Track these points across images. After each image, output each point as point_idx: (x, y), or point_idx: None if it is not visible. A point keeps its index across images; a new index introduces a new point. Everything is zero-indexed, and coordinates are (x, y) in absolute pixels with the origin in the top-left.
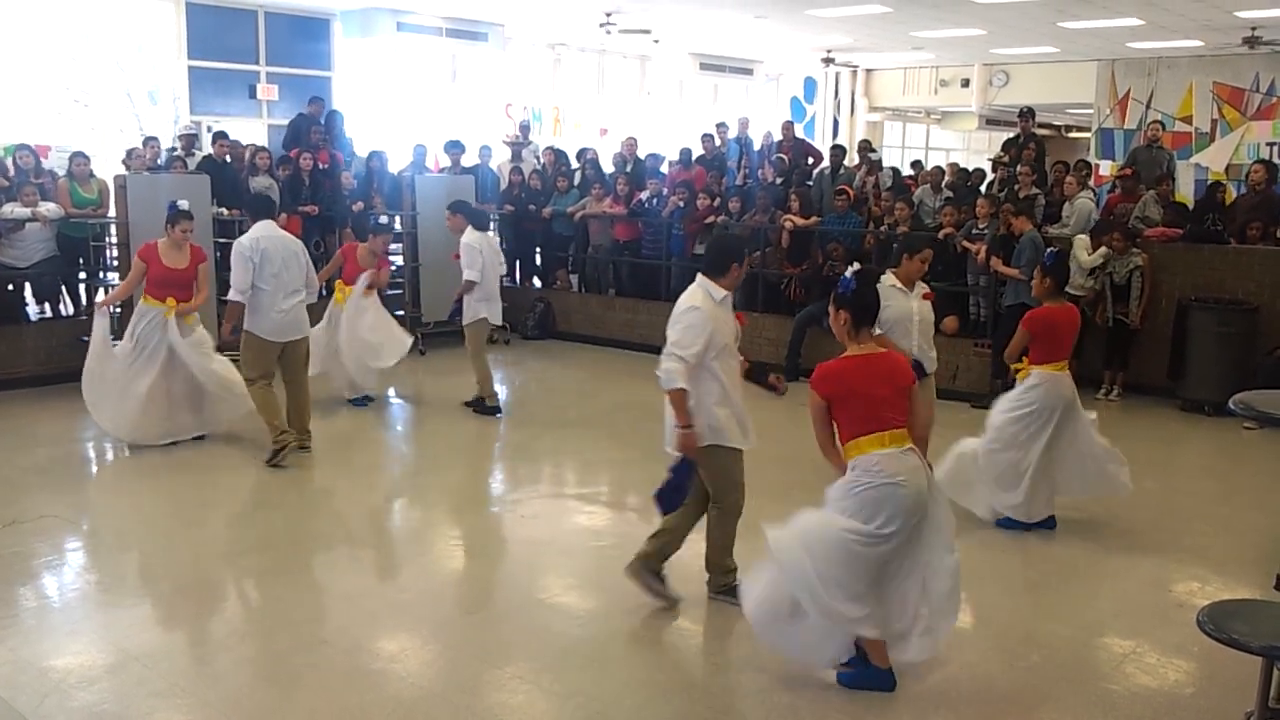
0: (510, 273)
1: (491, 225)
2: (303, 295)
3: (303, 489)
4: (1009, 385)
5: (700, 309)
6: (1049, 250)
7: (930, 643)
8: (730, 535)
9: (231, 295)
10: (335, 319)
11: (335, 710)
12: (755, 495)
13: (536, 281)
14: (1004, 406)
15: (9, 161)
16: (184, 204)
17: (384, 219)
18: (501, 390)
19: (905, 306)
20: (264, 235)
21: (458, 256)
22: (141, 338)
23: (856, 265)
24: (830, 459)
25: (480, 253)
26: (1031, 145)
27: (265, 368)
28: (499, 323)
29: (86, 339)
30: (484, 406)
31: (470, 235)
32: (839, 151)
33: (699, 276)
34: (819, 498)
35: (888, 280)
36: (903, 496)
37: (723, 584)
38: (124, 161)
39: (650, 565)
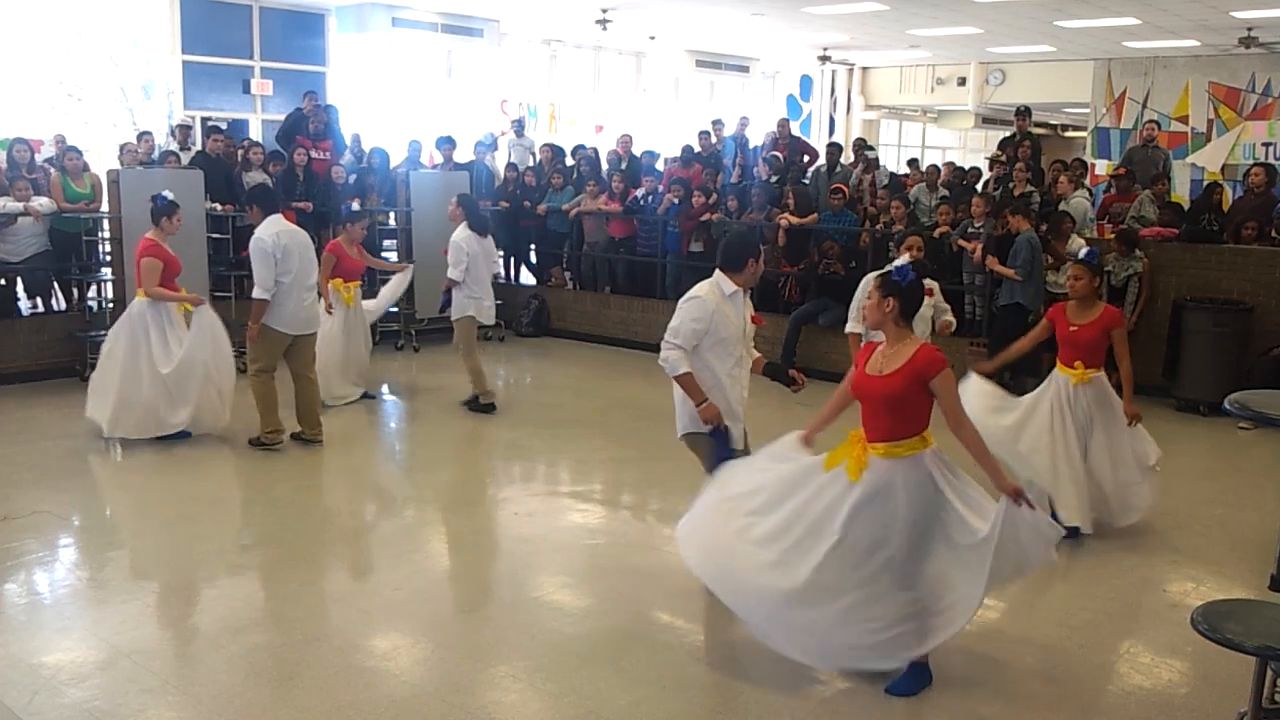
0: (504, 270)
1: (489, 233)
2: (315, 288)
3: (296, 486)
4: (1005, 384)
5: (702, 299)
6: (1088, 250)
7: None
8: None
9: (257, 293)
10: (348, 319)
11: (328, 708)
12: None
13: (529, 278)
14: None
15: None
16: (170, 194)
17: (355, 205)
18: (495, 388)
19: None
20: (282, 230)
21: (446, 251)
22: (139, 332)
23: (907, 256)
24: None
25: (466, 253)
26: (1027, 143)
27: (273, 361)
28: (489, 322)
29: (89, 335)
30: (479, 404)
31: (461, 233)
32: (835, 149)
33: (716, 270)
34: None
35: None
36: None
37: None
38: (119, 158)
39: None
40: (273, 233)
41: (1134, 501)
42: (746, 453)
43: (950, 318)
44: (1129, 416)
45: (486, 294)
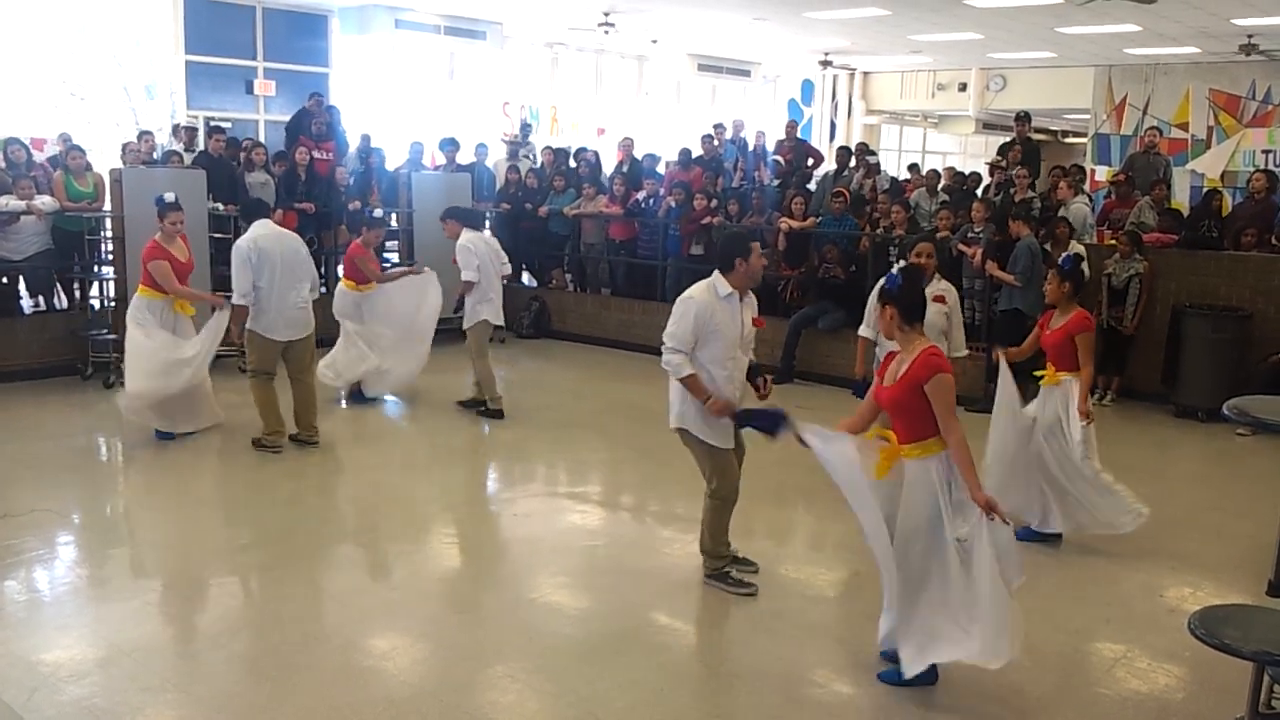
0: None
1: (487, 224)
2: (305, 292)
3: (296, 486)
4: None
5: (693, 299)
6: (1065, 254)
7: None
8: (723, 522)
9: (234, 299)
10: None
11: (326, 708)
12: (751, 498)
13: (529, 278)
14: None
15: None
16: (170, 196)
17: (378, 212)
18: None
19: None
20: (261, 235)
21: (456, 260)
22: (167, 328)
23: (904, 262)
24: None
25: (475, 254)
26: (1017, 147)
27: (268, 364)
28: (500, 323)
29: (91, 333)
30: (488, 410)
31: (466, 236)
32: (844, 153)
33: (714, 272)
34: (815, 499)
35: None
36: None
37: (714, 568)
38: (121, 157)
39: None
40: (251, 238)
41: (1072, 512)
42: (741, 450)
43: (961, 348)
44: (1081, 414)
45: (498, 294)
